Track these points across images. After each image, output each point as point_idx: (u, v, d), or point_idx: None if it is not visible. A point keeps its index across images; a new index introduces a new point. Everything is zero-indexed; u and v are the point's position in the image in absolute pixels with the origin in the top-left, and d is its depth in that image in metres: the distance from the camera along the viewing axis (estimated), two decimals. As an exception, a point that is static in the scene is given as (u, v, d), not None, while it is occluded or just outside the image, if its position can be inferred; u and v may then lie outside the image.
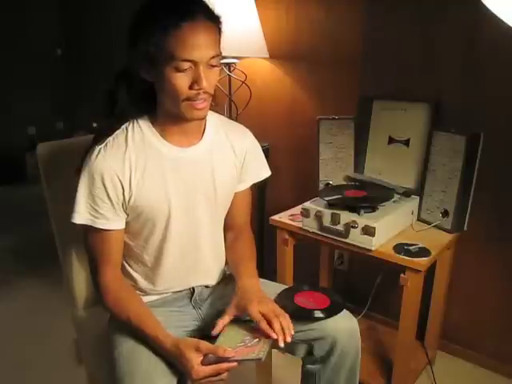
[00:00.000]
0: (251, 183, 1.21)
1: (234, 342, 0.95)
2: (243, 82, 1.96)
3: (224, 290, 1.20)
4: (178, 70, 0.91)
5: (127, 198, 1.00)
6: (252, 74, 2.02)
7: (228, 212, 1.20)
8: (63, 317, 1.42)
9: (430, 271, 1.57)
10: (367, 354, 1.72)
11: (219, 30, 0.97)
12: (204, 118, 1.06)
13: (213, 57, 0.93)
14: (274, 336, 0.93)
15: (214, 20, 0.95)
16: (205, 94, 0.95)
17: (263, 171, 1.23)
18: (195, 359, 0.90)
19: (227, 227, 1.22)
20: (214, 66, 0.95)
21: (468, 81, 1.56)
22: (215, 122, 1.13)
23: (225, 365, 0.90)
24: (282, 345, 0.93)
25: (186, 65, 0.91)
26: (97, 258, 1.03)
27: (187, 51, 0.90)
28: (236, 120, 1.31)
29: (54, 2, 3.98)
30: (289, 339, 0.94)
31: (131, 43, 0.96)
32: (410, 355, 1.50)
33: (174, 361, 0.94)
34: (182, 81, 0.93)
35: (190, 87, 0.93)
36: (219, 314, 1.17)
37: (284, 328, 0.95)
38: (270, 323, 0.95)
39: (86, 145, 1.02)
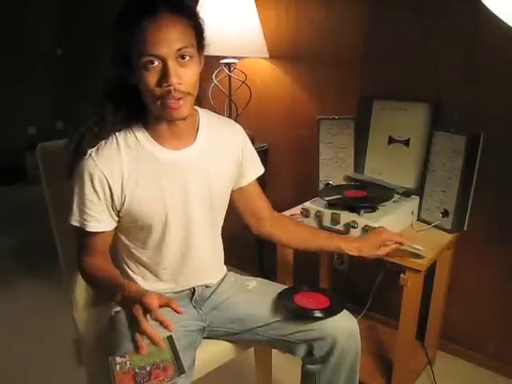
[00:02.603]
0: (256, 175, 1.22)
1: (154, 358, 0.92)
2: (243, 82, 1.96)
3: (224, 290, 1.21)
4: (146, 66, 0.91)
5: (118, 202, 1.01)
6: (252, 74, 2.02)
7: (252, 206, 1.22)
8: (63, 317, 1.41)
9: (430, 271, 1.57)
10: (367, 353, 1.72)
11: (191, 21, 0.95)
12: (184, 119, 0.99)
13: (179, 49, 0.91)
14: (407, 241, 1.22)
15: (179, 12, 0.92)
16: (177, 92, 0.92)
17: (260, 165, 1.24)
18: (153, 296, 0.84)
19: (261, 219, 1.23)
20: (186, 59, 0.92)
21: (468, 81, 1.56)
22: (206, 121, 1.11)
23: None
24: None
25: (153, 61, 0.90)
26: (85, 250, 1.06)
27: (150, 46, 0.89)
28: (236, 120, 1.31)
29: (54, 2, 3.97)
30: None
31: (111, 47, 0.96)
32: (410, 355, 1.50)
33: (130, 300, 0.86)
34: (150, 78, 0.91)
35: (159, 84, 0.91)
36: (220, 313, 1.17)
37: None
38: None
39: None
